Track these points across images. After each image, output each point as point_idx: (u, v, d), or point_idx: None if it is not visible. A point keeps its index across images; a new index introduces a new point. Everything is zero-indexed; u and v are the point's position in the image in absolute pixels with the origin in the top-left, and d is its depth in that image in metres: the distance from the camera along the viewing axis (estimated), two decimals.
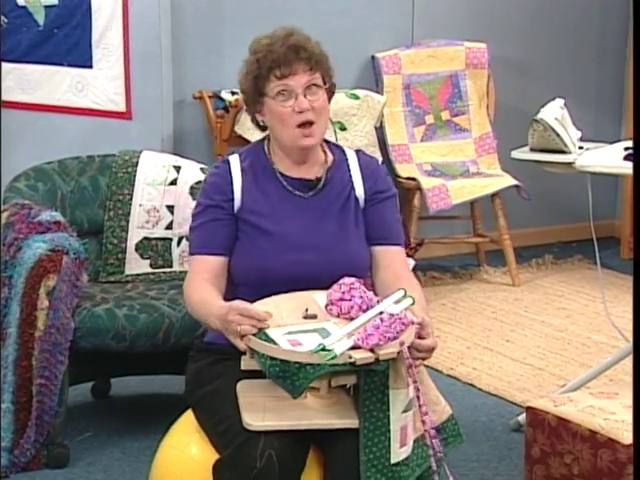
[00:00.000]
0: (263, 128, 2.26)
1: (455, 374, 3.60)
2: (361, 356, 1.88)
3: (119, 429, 3.13)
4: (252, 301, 2.05)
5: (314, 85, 2.17)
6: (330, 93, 2.24)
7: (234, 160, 2.24)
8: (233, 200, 2.19)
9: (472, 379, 3.56)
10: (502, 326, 4.07)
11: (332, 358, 1.85)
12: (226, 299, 2.14)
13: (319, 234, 2.18)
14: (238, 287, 2.20)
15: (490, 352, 3.80)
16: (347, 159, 2.28)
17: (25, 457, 2.79)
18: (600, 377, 3.29)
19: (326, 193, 2.23)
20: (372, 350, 1.89)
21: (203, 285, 2.15)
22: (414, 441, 2.01)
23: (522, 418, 2.98)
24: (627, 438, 2.24)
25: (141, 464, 2.80)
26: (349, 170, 2.26)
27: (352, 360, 1.87)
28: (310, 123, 2.16)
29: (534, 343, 3.89)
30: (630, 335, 2.64)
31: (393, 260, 2.25)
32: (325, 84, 2.20)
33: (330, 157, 2.27)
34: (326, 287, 2.09)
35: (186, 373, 2.24)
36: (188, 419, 2.18)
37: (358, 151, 2.32)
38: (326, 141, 2.29)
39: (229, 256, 2.19)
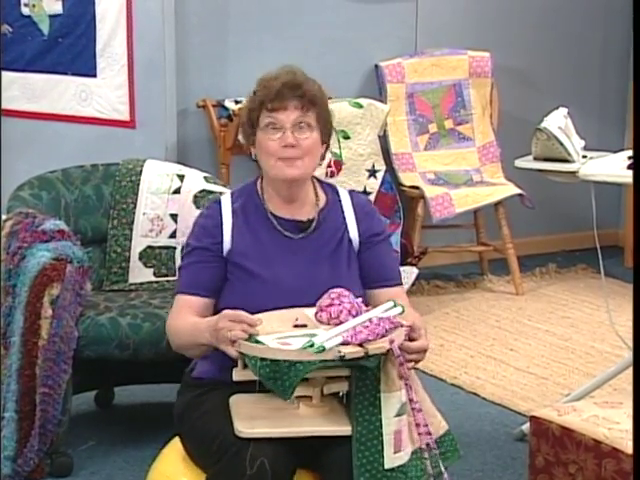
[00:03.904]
0: (258, 164, 2.26)
1: (459, 383, 3.60)
2: (350, 350, 1.88)
3: (122, 438, 3.12)
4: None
5: (304, 123, 2.16)
6: (325, 136, 2.21)
7: (225, 201, 2.24)
8: (222, 243, 2.19)
9: (476, 388, 3.55)
10: (506, 335, 4.06)
11: (321, 351, 1.85)
12: None
13: (310, 279, 2.15)
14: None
15: (494, 361, 3.80)
16: (340, 200, 2.27)
17: (28, 466, 2.79)
18: (604, 386, 3.29)
19: (318, 235, 2.21)
20: (361, 345, 1.89)
21: (185, 318, 2.15)
22: (413, 452, 2.01)
23: (526, 427, 2.98)
24: (632, 448, 2.23)
25: (144, 473, 2.78)
26: (342, 212, 2.25)
27: (341, 354, 1.87)
28: (296, 158, 2.16)
29: (538, 352, 3.89)
30: None
31: (397, 300, 2.20)
32: (319, 125, 2.18)
33: (323, 198, 2.26)
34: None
35: (174, 407, 2.23)
36: (175, 445, 2.18)
37: (351, 192, 2.31)
38: (319, 181, 2.29)
39: (214, 298, 2.19)
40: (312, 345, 1.87)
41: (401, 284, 2.27)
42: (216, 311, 2.15)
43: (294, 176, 2.17)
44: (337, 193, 2.29)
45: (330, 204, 2.26)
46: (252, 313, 2.05)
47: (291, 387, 1.89)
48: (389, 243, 2.31)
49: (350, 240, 2.23)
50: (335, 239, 2.22)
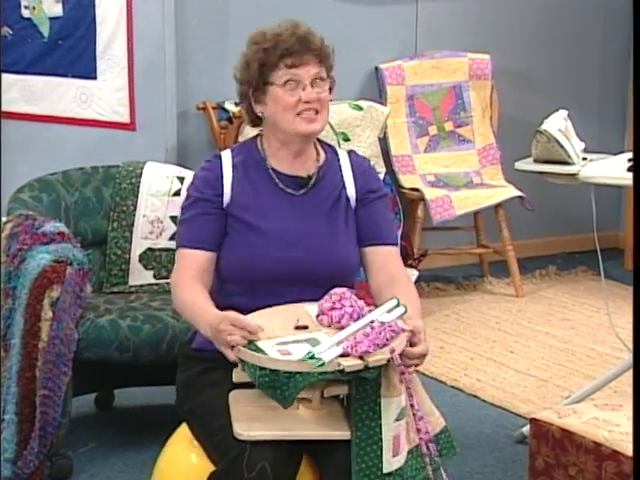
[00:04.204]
0: (256, 123, 2.25)
1: (459, 385, 3.60)
2: (350, 363, 1.88)
3: (122, 440, 3.12)
4: (242, 300, 2.07)
5: (320, 78, 2.18)
6: (330, 89, 2.24)
7: (226, 155, 2.24)
8: (222, 195, 2.19)
9: (476, 390, 3.55)
10: (506, 337, 4.06)
11: (321, 365, 1.85)
12: (213, 294, 2.14)
13: (308, 233, 2.17)
14: (225, 283, 2.19)
15: (494, 363, 3.80)
16: (339, 159, 2.28)
17: (28, 468, 2.78)
18: (604, 389, 3.29)
19: (317, 191, 2.22)
20: (361, 357, 1.89)
21: (193, 284, 2.13)
22: (408, 452, 2.01)
23: (526, 430, 2.98)
24: (632, 450, 2.23)
25: (144, 476, 2.78)
26: (340, 170, 2.26)
27: (341, 368, 1.87)
28: (315, 113, 2.16)
29: (538, 354, 3.89)
30: None
31: (387, 260, 2.23)
32: (329, 78, 2.22)
33: (322, 155, 2.27)
34: (314, 286, 2.10)
35: (176, 382, 2.23)
36: (182, 433, 2.17)
37: (350, 152, 2.32)
38: (319, 140, 2.29)
39: (217, 251, 2.18)
40: (312, 357, 1.86)
41: (395, 244, 2.26)
42: (218, 265, 2.16)
43: (315, 130, 2.18)
44: (336, 152, 2.30)
45: (329, 161, 2.26)
46: (251, 266, 2.08)
47: (290, 397, 1.89)
48: (385, 202, 2.30)
49: (347, 198, 2.24)
50: (333, 196, 2.23)
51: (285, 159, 2.22)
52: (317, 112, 2.17)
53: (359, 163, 2.29)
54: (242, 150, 2.26)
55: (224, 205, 2.19)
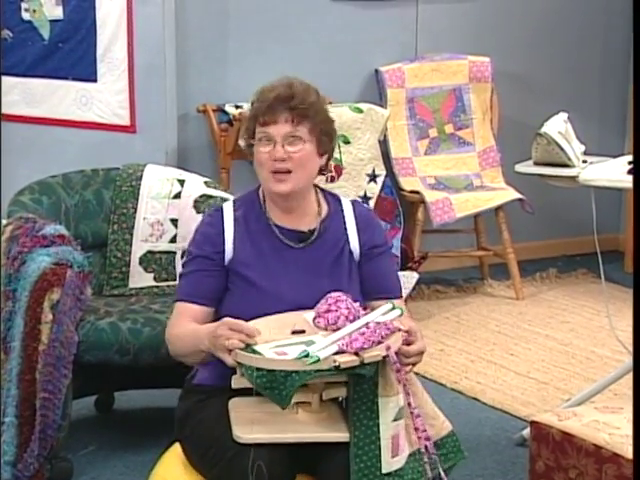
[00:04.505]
0: None
1: (459, 388, 3.60)
2: (345, 360, 1.88)
3: (122, 443, 3.12)
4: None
5: (295, 137, 2.16)
6: (320, 148, 2.20)
7: (227, 209, 2.24)
8: (224, 252, 2.19)
9: (476, 393, 3.55)
10: (506, 340, 4.06)
11: (315, 362, 1.85)
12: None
13: (311, 290, 2.14)
14: None
15: (494, 366, 3.80)
16: (342, 209, 2.27)
17: (28, 471, 2.78)
18: (604, 391, 3.29)
19: (319, 245, 2.21)
20: (357, 354, 1.89)
21: (187, 323, 2.15)
22: (410, 455, 2.01)
23: (526, 432, 2.98)
24: (632, 453, 2.23)
25: (144, 478, 2.79)
26: (344, 222, 2.25)
27: (336, 364, 1.87)
28: (287, 172, 2.16)
29: (538, 357, 3.88)
30: None
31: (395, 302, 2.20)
32: (314, 137, 2.18)
33: (325, 208, 2.26)
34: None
35: (175, 413, 2.24)
36: (175, 449, 2.18)
37: (354, 202, 2.31)
38: (322, 191, 2.29)
39: (215, 307, 2.19)
40: (307, 355, 1.87)
41: (401, 296, 2.27)
42: (216, 320, 2.14)
43: (284, 191, 2.17)
44: (340, 203, 2.28)
45: (332, 214, 2.25)
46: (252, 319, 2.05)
47: (288, 396, 1.89)
48: (390, 255, 2.32)
49: (351, 251, 2.23)
50: (336, 249, 2.22)
51: (281, 215, 2.23)
52: (289, 172, 2.16)
53: (364, 215, 2.28)
54: (244, 203, 2.26)
55: (225, 262, 2.19)
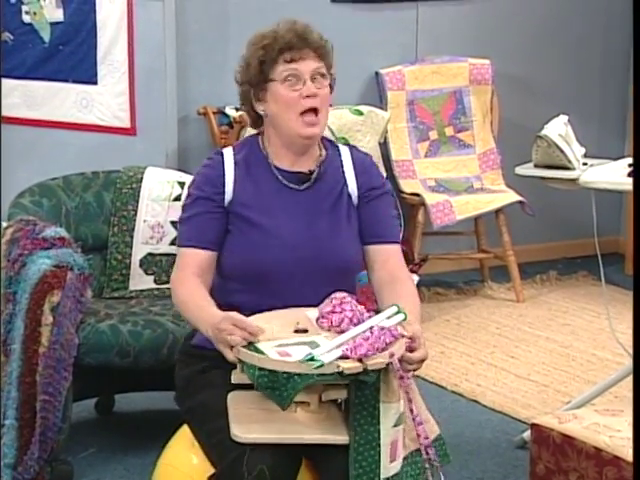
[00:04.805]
0: (258, 124, 2.25)
1: (459, 390, 3.59)
2: (349, 366, 1.87)
3: (123, 445, 3.12)
4: (243, 298, 2.08)
5: (320, 74, 2.17)
6: (330, 88, 2.23)
7: (228, 153, 2.23)
8: (224, 193, 2.18)
9: (476, 395, 3.55)
10: (506, 342, 4.06)
11: (320, 366, 1.85)
12: (214, 293, 2.14)
13: (310, 230, 2.16)
14: (227, 280, 2.18)
15: (494, 368, 3.80)
16: (340, 154, 2.27)
17: (29, 474, 2.78)
18: (605, 394, 3.29)
19: (319, 187, 2.21)
20: (360, 360, 1.89)
21: (194, 283, 2.12)
22: (404, 458, 2.01)
23: (527, 435, 2.98)
24: (632, 456, 2.23)
25: None
26: (342, 166, 2.25)
27: (340, 370, 1.87)
28: (315, 111, 2.15)
29: (538, 359, 3.88)
30: None
31: (389, 259, 2.22)
32: (330, 74, 2.21)
33: (324, 151, 2.26)
34: (316, 283, 2.09)
35: (175, 378, 2.22)
36: (183, 434, 2.17)
37: (352, 147, 2.31)
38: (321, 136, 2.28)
39: (218, 250, 2.17)
40: (312, 359, 1.86)
41: (397, 242, 2.25)
42: (219, 263, 2.15)
43: (315, 134, 2.17)
44: (337, 148, 2.29)
45: (330, 157, 2.25)
46: (253, 263, 2.07)
47: (289, 398, 1.89)
48: (388, 199, 2.28)
49: (349, 194, 2.23)
50: (335, 192, 2.22)
51: (287, 157, 2.21)
52: (317, 113, 2.15)
53: (361, 159, 2.28)
54: (244, 147, 2.26)
55: (225, 203, 2.18)
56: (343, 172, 2.24)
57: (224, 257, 2.17)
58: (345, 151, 2.28)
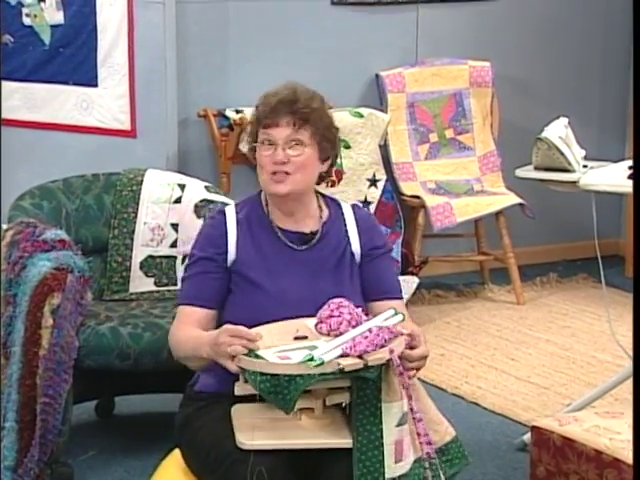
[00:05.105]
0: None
1: (460, 393, 3.59)
2: (349, 362, 1.88)
3: (123, 448, 3.12)
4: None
5: (296, 140, 2.18)
6: (322, 154, 2.22)
7: (230, 211, 2.26)
8: (227, 253, 2.20)
9: (477, 398, 3.55)
10: (507, 344, 4.06)
11: (320, 365, 1.85)
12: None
13: (314, 290, 2.16)
14: None
15: (495, 371, 3.80)
16: (343, 213, 2.29)
17: (29, 476, 2.78)
18: (605, 396, 3.29)
19: (321, 247, 2.23)
20: (360, 357, 1.89)
21: (189, 328, 2.15)
22: (415, 461, 2.01)
23: (527, 437, 2.97)
24: (632, 458, 2.23)
25: None
26: (345, 225, 2.27)
27: (340, 367, 1.87)
28: (286, 173, 2.18)
29: (539, 362, 3.88)
30: None
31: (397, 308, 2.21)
32: (315, 142, 2.20)
33: (326, 211, 2.28)
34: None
35: (175, 421, 2.23)
36: (175, 459, 2.17)
37: (354, 206, 2.33)
38: (322, 195, 2.30)
39: (218, 309, 2.19)
40: (311, 359, 1.86)
41: (401, 298, 2.29)
42: (220, 323, 2.15)
43: (282, 192, 2.19)
44: (340, 207, 2.31)
45: (333, 217, 2.28)
46: (255, 325, 2.06)
47: (292, 401, 1.89)
48: (390, 257, 2.33)
49: (352, 253, 2.25)
50: (338, 252, 2.23)
51: (283, 217, 2.24)
52: (288, 174, 2.17)
53: (364, 218, 2.31)
54: (246, 205, 2.28)
55: (228, 263, 2.20)
56: (346, 231, 2.27)
57: (225, 316, 2.18)
58: (348, 210, 2.30)
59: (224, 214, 2.25)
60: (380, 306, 2.22)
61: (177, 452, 2.18)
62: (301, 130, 2.18)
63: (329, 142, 2.24)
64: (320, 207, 2.28)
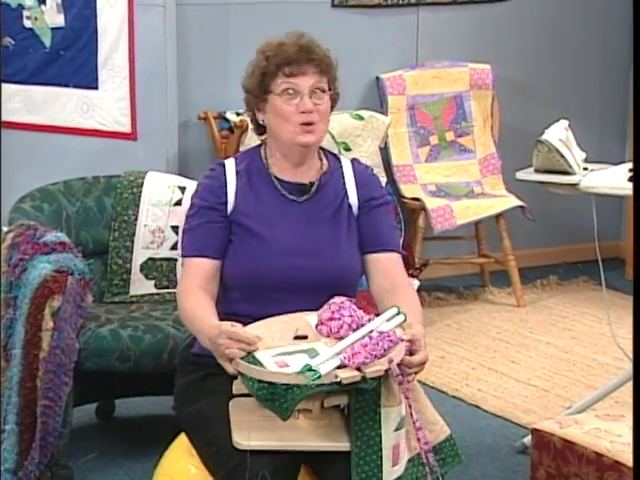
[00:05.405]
0: (260, 131, 2.27)
1: (460, 395, 3.59)
2: (347, 375, 1.87)
3: (123, 450, 3.12)
4: (244, 307, 2.10)
5: (320, 89, 2.18)
6: (333, 101, 2.25)
7: (229, 163, 2.26)
8: (227, 202, 2.20)
9: (477, 400, 3.55)
10: (507, 347, 4.06)
11: (317, 378, 1.85)
12: (217, 302, 2.15)
13: (311, 239, 2.18)
14: (229, 290, 2.20)
15: (495, 373, 3.79)
16: (342, 166, 2.29)
17: (29, 479, 2.78)
18: (606, 399, 3.28)
19: (319, 198, 2.23)
20: (359, 369, 1.89)
21: (197, 293, 2.14)
22: (409, 460, 2.00)
23: (528, 440, 2.97)
24: (632, 461, 2.23)
25: None
26: (343, 177, 2.27)
27: (338, 380, 1.87)
28: (311, 124, 2.17)
29: (539, 364, 3.88)
30: None
31: (389, 267, 2.23)
32: (330, 90, 2.22)
33: (325, 164, 2.28)
34: (316, 293, 2.10)
35: (174, 386, 2.23)
36: (180, 443, 2.16)
37: (353, 160, 2.33)
38: (322, 149, 2.30)
39: (222, 259, 2.19)
40: (309, 369, 1.86)
41: (397, 251, 2.27)
42: (221, 273, 2.16)
43: (311, 142, 2.19)
44: (339, 160, 2.31)
45: (332, 169, 2.28)
46: (254, 273, 2.08)
47: (288, 409, 1.89)
48: (388, 210, 2.31)
49: (350, 205, 2.25)
50: (335, 203, 2.24)
51: (287, 168, 2.24)
52: (314, 124, 2.17)
53: (362, 171, 2.30)
54: (245, 158, 2.28)
55: (228, 212, 2.20)
56: (344, 183, 2.27)
57: (225, 266, 2.19)
58: (347, 163, 2.30)
59: (223, 166, 2.25)
60: (376, 259, 2.22)
61: (182, 437, 2.15)
62: (324, 77, 2.19)
63: (337, 90, 2.25)
64: (320, 159, 2.28)
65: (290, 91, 2.16)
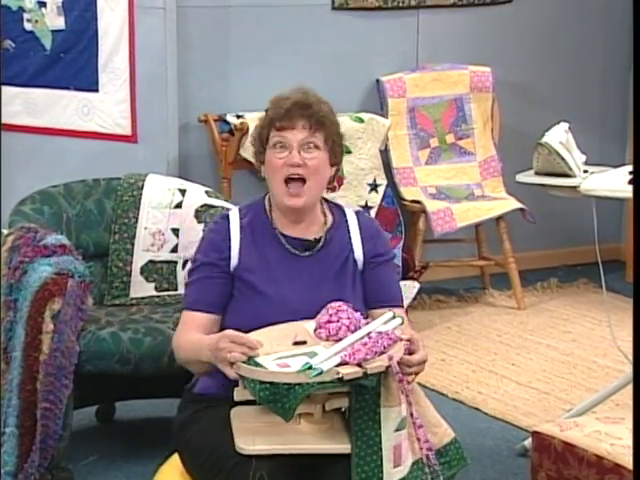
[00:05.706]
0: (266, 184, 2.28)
1: (460, 398, 3.59)
2: (348, 371, 1.88)
3: (123, 453, 3.12)
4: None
5: (311, 144, 2.18)
6: (333, 158, 2.23)
7: (233, 216, 2.26)
8: (229, 258, 2.20)
9: (477, 403, 3.55)
10: (507, 350, 4.06)
11: (319, 374, 1.85)
12: None
13: (315, 298, 2.15)
14: None
15: (495, 376, 3.79)
16: (347, 220, 2.29)
17: None
18: (606, 402, 3.28)
19: (325, 254, 2.23)
20: (360, 365, 1.89)
21: (192, 333, 2.16)
22: (413, 463, 2.01)
23: (528, 443, 2.97)
24: (632, 464, 2.22)
25: None
26: (349, 232, 2.27)
27: (339, 376, 1.87)
28: (301, 180, 2.17)
29: (540, 367, 3.88)
30: None
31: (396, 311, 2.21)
32: (328, 146, 2.20)
33: (330, 218, 2.28)
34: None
35: (173, 423, 2.23)
36: (173, 463, 2.17)
37: (358, 212, 2.33)
38: (326, 201, 2.30)
39: (221, 314, 2.19)
40: (310, 367, 1.86)
41: (402, 306, 2.29)
42: (222, 327, 2.16)
43: (298, 206, 2.19)
44: (344, 213, 2.30)
45: (337, 224, 2.27)
46: (255, 329, 2.06)
47: (291, 409, 1.89)
48: (392, 265, 2.32)
49: (355, 260, 2.25)
50: (341, 259, 2.23)
51: (287, 224, 2.24)
52: (304, 182, 2.17)
53: (367, 225, 2.30)
54: (250, 210, 2.28)
55: (231, 268, 2.20)
56: (350, 238, 2.26)
57: (227, 320, 2.19)
58: (352, 216, 2.30)
59: (227, 219, 2.25)
60: (381, 314, 2.20)
61: (175, 457, 2.18)
62: (316, 133, 2.18)
63: (339, 147, 2.25)
64: (324, 213, 2.28)
65: (280, 144, 2.18)
